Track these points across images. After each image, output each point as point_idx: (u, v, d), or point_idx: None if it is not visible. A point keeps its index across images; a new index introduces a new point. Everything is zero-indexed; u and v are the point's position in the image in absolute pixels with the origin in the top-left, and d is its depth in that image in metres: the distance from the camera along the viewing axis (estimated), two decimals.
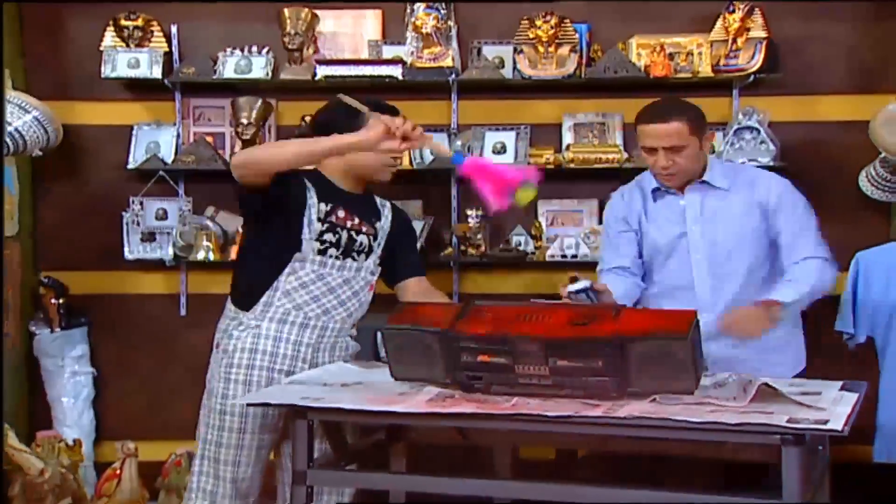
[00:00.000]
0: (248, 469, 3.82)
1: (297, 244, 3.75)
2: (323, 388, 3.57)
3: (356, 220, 3.80)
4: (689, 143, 3.76)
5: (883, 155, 4.78)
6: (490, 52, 5.30)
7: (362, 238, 3.84)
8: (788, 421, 2.97)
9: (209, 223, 5.32)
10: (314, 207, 3.78)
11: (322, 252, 3.77)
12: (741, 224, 3.88)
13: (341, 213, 3.80)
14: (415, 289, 4.02)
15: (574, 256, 5.24)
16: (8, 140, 4.66)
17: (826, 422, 2.97)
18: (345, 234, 3.79)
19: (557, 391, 3.38)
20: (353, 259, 3.83)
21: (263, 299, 3.73)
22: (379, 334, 4.65)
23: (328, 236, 3.77)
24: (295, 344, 3.81)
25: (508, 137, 5.32)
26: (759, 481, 3.40)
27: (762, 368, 3.48)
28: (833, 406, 3.23)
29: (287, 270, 3.73)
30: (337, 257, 3.79)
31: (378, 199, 3.99)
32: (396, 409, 3.31)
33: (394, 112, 3.68)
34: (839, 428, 2.93)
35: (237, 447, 3.77)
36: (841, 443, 3.23)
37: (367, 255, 3.86)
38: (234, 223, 5.26)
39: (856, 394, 3.39)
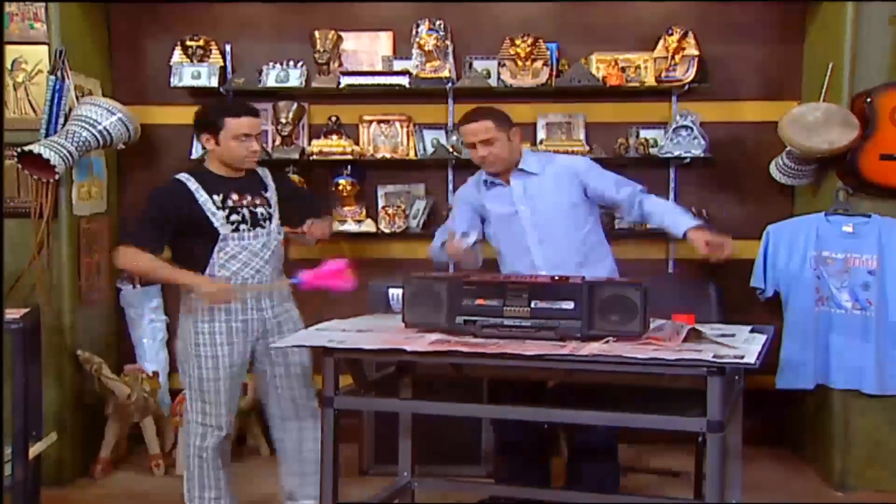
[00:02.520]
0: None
1: (215, 232, 3.85)
2: (343, 333, 3.65)
3: (249, 198, 3.93)
4: (498, 137, 3.95)
5: (788, 148, 4.82)
6: (479, 65, 5.32)
7: (261, 209, 3.94)
8: (714, 357, 3.10)
9: None
10: (208, 202, 3.85)
11: (236, 230, 3.88)
12: (555, 198, 4.03)
13: (235, 196, 3.90)
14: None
15: None
16: (98, 136, 4.61)
17: (742, 357, 3.12)
18: (246, 211, 3.90)
19: (534, 333, 3.47)
20: (262, 227, 3.94)
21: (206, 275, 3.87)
22: (391, 290, 4.81)
23: (234, 216, 3.88)
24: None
25: None
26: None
27: None
28: (746, 345, 3.35)
29: (216, 248, 3.84)
30: (248, 229, 3.90)
31: (260, 171, 4.07)
32: (406, 349, 3.37)
33: (255, 113, 3.93)
34: (753, 362, 3.11)
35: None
36: (752, 373, 3.39)
37: (270, 220, 3.96)
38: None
39: (765, 335, 3.56)
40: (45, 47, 4.71)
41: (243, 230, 3.89)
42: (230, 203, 3.86)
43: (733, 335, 3.59)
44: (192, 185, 3.89)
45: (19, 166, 4.53)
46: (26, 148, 4.39)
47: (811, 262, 4.74)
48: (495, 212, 4.13)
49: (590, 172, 4.11)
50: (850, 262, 4.69)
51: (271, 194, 4.02)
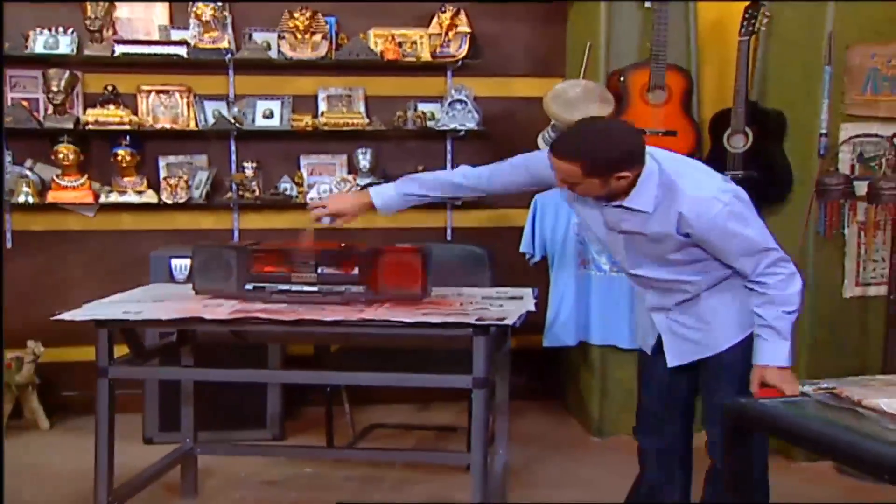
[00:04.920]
0: None
1: None
2: (138, 304, 3.57)
3: None
4: (585, 183, 2.90)
5: (553, 122, 4.80)
6: (259, 37, 5.28)
7: None
8: (477, 319, 3.20)
9: (28, 173, 5.18)
10: None
11: None
12: (653, 248, 3.05)
13: None
14: None
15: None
16: None
17: (504, 319, 3.22)
18: None
19: (321, 298, 3.50)
20: None
21: None
22: (173, 261, 4.70)
23: None
24: None
25: (275, 105, 5.32)
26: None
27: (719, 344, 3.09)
28: (515, 308, 3.45)
29: None
30: None
31: None
32: (206, 317, 3.32)
33: None
34: (512, 322, 3.20)
35: None
36: (521, 333, 3.54)
37: None
38: (48, 173, 5.20)
39: (534, 298, 3.69)
40: None
41: None
42: None
43: (521, 298, 3.69)
44: None
45: None
46: None
47: (574, 227, 4.79)
48: (579, 210, 3.22)
49: (710, 234, 2.91)
50: None
51: None
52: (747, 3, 4.59)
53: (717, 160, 4.70)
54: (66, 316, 3.41)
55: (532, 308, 3.57)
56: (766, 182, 4.63)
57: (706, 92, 4.92)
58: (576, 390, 5.24)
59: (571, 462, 4.60)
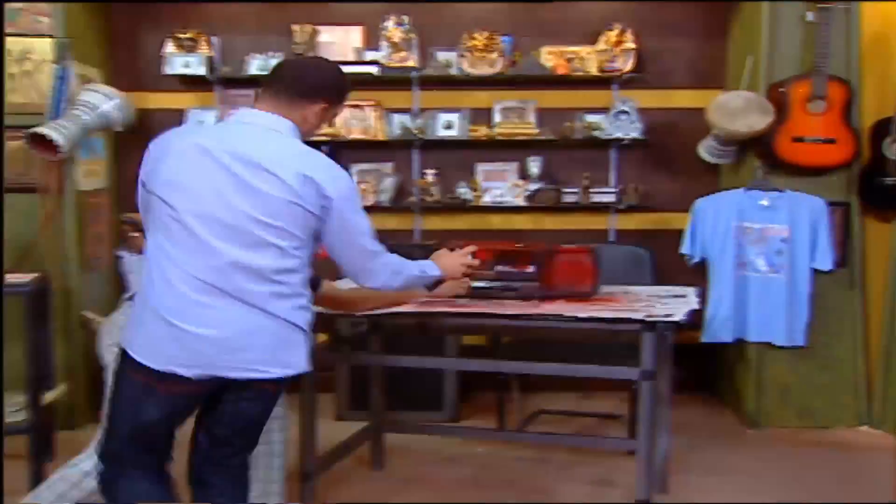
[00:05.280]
0: None
1: None
2: None
3: None
4: None
5: (714, 131, 4.86)
6: (441, 56, 5.35)
7: None
8: (646, 316, 3.22)
9: None
10: None
11: None
12: None
13: None
14: None
15: (501, 203, 5.35)
16: (98, 119, 4.56)
17: (671, 315, 3.25)
18: None
19: (498, 294, 3.55)
20: None
21: None
22: None
23: None
24: None
25: (455, 118, 5.38)
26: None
27: None
28: (679, 306, 3.46)
29: None
30: None
31: None
32: (398, 310, 3.40)
33: None
34: (678, 320, 3.23)
35: None
36: (681, 329, 3.42)
37: None
38: None
39: (696, 297, 3.70)
40: (51, 40, 4.68)
41: None
42: None
43: (685, 296, 3.72)
44: None
45: (28, 146, 4.46)
46: (34, 130, 4.37)
47: (733, 231, 4.75)
48: None
49: None
50: (766, 232, 4.74)
51: None
52: None
53: (877, 167, 4.69)
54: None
55: (696, 306, 3.58)
56: None
57: (867, 101, 4.79)
58: (731, 384, 5.19)
59: (727, 451, 4.54)
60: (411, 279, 2.98)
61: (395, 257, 2.88)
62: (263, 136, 2.60)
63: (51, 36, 4.71)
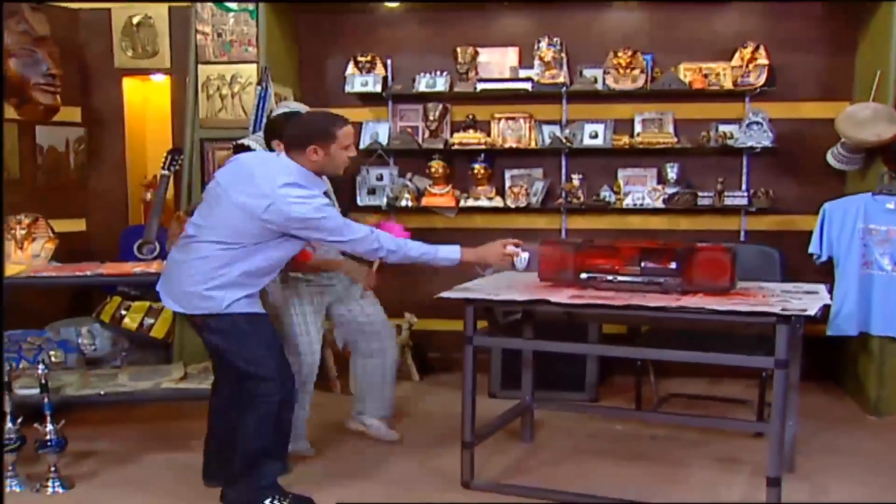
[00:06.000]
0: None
1: None
2: (495, 288, 3.71)
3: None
4: None
5: (843, 140, 4.82)
6: (588, 73, 5.38)
7: None
8: (782, 310, 3.20)
9: (408, 183, 5.54)
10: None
11: None
12: None
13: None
14: None
15: (640, 205, 5.34)
16: None
17: (805, 310, 3.21)
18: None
19: (643, 287, 3.57)
20: None
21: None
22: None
23: None
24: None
25: (599, 128, 5.38)
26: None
27: None
28: (809, 300, 3.41)
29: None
30: None
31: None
32: (551, 300, 3.45)
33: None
34: (812, 314, 3.20)
35: None
36: (811, 323, 3.43)
37: None
38: (423, 183, 5.49)
39: (827, 294, 3.63)
40: (255, 65, 4.94)
41: None
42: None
43: (817, 293, 3.66)
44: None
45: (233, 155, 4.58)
46: (239, 141, 4.38)
47: (859, 233, 4.69)
48: None
49: None
50: (891, 234, 4.66)
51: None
52: None
53: None
54: (444, 294, 3.60)
55: (828, 301, 3.53)
56: None
57: None
58: (854, 374, 5.10)
59: (850, 436, 4.48)
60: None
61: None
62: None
63: (255, 62, 4.94)
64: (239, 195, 3.30)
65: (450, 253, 3.54)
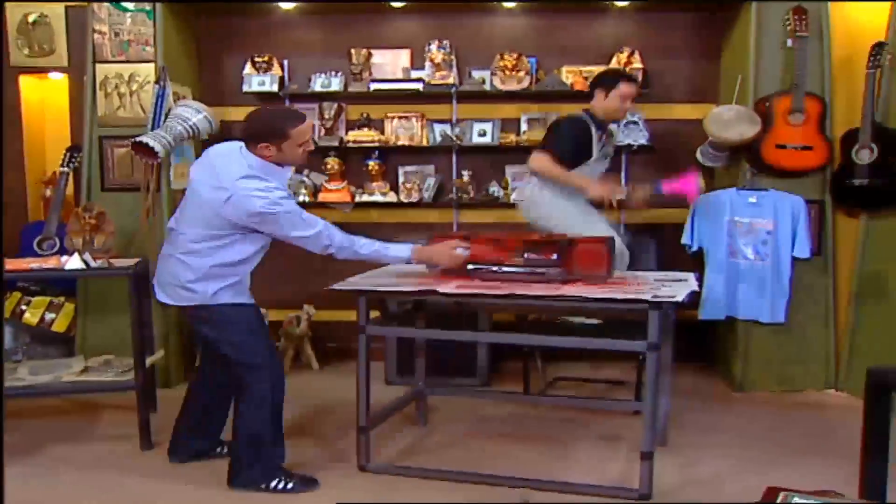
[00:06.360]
0: None
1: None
2: (387, 279, 3.73)
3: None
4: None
5: (710, 139, 4.87)
6: (476, 74, 5.40)
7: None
8: (653, 297, 3.25)
9: (305, 179, 5.43)
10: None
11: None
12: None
13: None
14: None
15: None
16: (189, 129, 4.60)
17: (674, 297, 3.27)
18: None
19: (526, 277, 3.59)
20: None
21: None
22: None
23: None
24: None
25: (488, 126, 5.41)
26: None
27: None
28: (679, 287, 3.46)
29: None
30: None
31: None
32: (439, 290, 3.44)
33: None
34: (680, 300, 3.27)
35: None
36: (682, 308, 3.57)
37: None
38: (319, 179, 5.42)
39: (695, 280, 3.69)
40: (153, 64, 4.81)
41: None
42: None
43: (686, 280, 3.74)
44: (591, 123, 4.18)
45: (132, 153, 4.58)
46: (137, 139, 4.48)
47: (726, 225, 4.79)
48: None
49: None
50: (754, 225, 4.77)
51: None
52: (874, 43, 4.54)
53: (846, 171, 4.65)
54: (336, 286, 3.61)
55: (695, 288, 3.60)
56: (889, 189, 4.57)
57: (838, 114, 4.81)
58: (722, 355, 5.21)
59: (717, 411, 4.57)
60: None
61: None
62: None
63: (152, 61, 4.81)
64: (204, 188, 3.28)
65: (400, 252, 3.54)
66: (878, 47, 4.54)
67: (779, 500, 1.46)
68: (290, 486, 3.46)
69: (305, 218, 3.33)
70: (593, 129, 4.22)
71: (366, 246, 3.46)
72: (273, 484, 3.44)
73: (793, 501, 1.47)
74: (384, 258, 3.55)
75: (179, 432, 3.79)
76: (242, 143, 3.33)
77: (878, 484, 2.11)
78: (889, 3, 4.65)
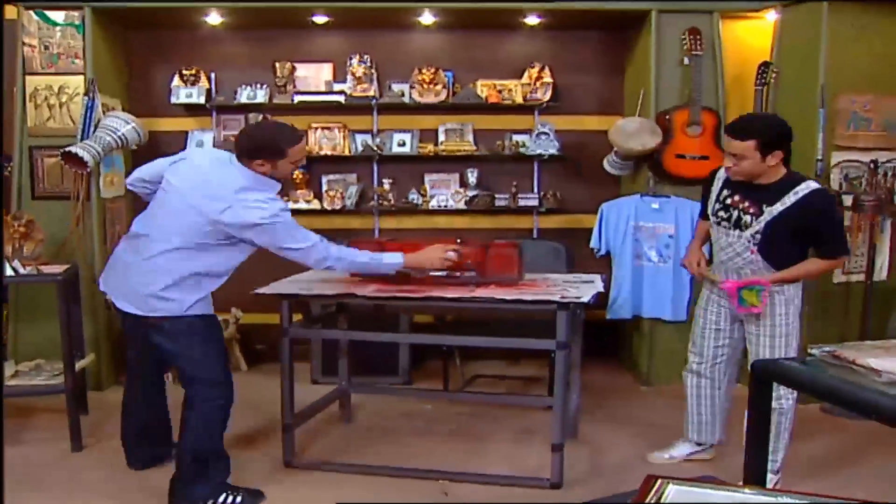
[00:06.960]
0: None
1: None
2: (309, 283, 3.77)
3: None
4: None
5: (615, 149, 4.93)
6: (396, 87, 5.42)
7: None
8: (561, 298, 3.35)
9: None
10: None
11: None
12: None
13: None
14: None
15: (445, 207, 5.39)
16: (118, 140, 4.58)
17: (580, 297, 3.38)
18: None
19: (444, 280, 3.63)
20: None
21: None
22: None
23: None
24: None
25: (407, 137, 5.44)
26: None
27: None
28: (588, 289, 3.55)
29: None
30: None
31: None
32: (357, 293, 3.48)
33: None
34: (587, 300, 3.37)
35: None
36: (591, 308, 3.64)
37: None
38: None
39: (601, 282, 3.79)
40: (82, 77, 4.75)
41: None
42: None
43: (593, 281, 3.83)
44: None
45: (62, 162, 4.55)
46: (66, 149, 4.44)
47: (631, 229, 4.87)
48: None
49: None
50: (657, 230, 4.87)
51: None
52: (760, 62, 4.69)
53: None
54: (260, 290, 3.65)
55: (601, 289, 3.70)
56: None
57: None
58: (629, 351, 5.32)
59: (625, 404, 4.66)
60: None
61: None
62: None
63: (82, 73, 4.76)
64: (194, 196, 3.13)
65: (393, 259, 3.50)
66: (765, 66, 4.69)
67: (654, 489, 1.45)
68: (238, 500, 3.35)
69: (302, 231, 3.25)
70: None
71: (361, 256, 3.44)
72: (221, 500, 3.33)
73: (667, 489, 1.46)
74: (381, 266, 3.50)
75: (130, 445, 3.68)
76: (232, 155, 3.22)
77: (759, 469, 2.16)
78: (772, 26, 4.83)
